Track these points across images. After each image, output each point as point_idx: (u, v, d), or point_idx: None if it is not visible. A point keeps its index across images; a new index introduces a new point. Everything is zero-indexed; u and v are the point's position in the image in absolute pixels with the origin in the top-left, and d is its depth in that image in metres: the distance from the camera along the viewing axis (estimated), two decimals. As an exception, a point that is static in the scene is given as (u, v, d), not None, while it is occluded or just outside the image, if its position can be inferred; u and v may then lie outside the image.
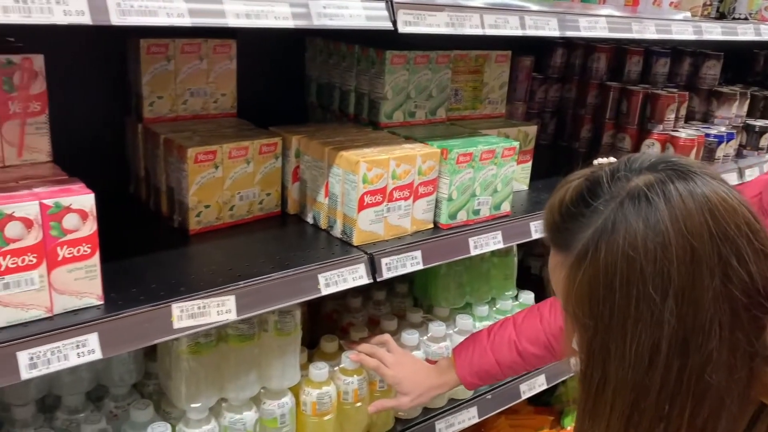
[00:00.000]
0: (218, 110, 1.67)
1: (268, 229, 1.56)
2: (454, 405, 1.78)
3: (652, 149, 2.30)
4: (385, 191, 1.45)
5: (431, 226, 1.60)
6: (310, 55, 1.91)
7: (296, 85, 1.96)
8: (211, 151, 1.44)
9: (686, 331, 0.78)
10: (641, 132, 2.34)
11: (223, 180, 1.48)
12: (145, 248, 1.39)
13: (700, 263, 0.77)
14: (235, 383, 1.38)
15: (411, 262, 1.48)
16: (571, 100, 2.54)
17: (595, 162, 0.94)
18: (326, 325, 1.85)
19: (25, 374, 1.00)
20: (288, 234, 1.56)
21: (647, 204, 0.79)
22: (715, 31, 2.05)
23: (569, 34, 1.63)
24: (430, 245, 1.52)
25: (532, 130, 1.94)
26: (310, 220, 1.59)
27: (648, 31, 1.82)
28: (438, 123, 1.82)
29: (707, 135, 2.36)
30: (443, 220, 1.59)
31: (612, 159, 0.92)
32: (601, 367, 0.83)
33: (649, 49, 2.57)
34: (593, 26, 1.69)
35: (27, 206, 1.01)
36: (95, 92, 1.64)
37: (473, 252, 1.59)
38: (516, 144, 1.66)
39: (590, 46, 2.50)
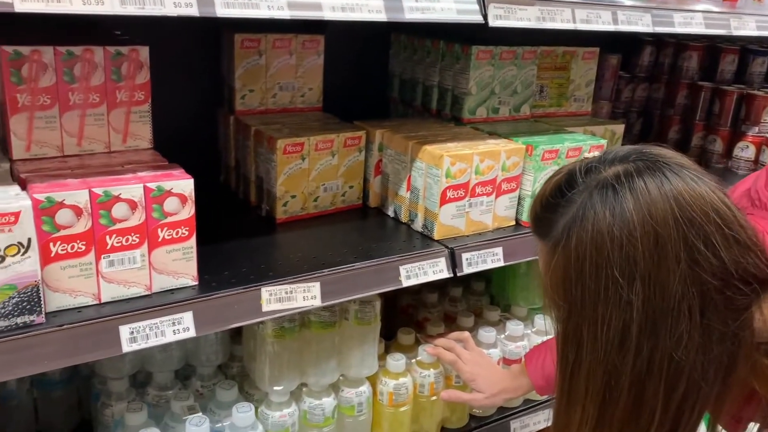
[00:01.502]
0: (305, 104, 1.71)
1: (350, 220, 1.59)
2: (530, 405, 1.75)
3: (745, 152, 2.19)
4: (467, 186, 1.45)
5: (513, 223, 1.58)
6: (394, 50, 1.93)
7: (379, 81, 1.99)
8: (299, 142, 1.48)
9: (654, 313, 0.81)
10: (734, 134, 2.24)
11: (309, 171, 1.52)
12: (235, 235, 1.44)
13: (665, 248, 0.80)
14: (315, 369, 1.41)
15: (492, 259, 1.48)
16: (659, 100, 2.46)
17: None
18: (402, 320, 1.87)
19: (126, 347, 1.06)
20: (369, 226, 1.58)
21: (614, 194, 0.83)
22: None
23: (663, 30, 1.57)
24: (512, 242, 1.51)
25: (620, 128, 1.89)
26: (391, 213, 1.61)
27: (747, 28, 1.74)
28: (522, 120, 1.81)
29: (807, 138, 2.23)
30: (526, 217, 1.57)
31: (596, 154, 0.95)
32: (575, 349, 0.87)
33: (746, 48, 2.45)
34: (688, 22, 1.63)
35: (132, 189, 1.07)
36: (190, 84, 1.72)
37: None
38: (604, 142, 1.63)
39: (681, 44, 2.41)
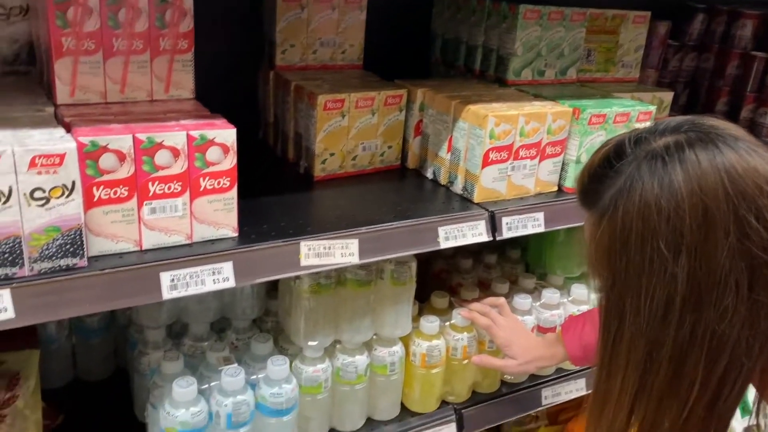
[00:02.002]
0: (345, 61, 1.68)
1: (388, 181, 1.57)
2: (562, 375, 1.74)
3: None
4: (511, 148, 1.42)
5: (555, 189, 1.55)
6: (437, 10, 1.88)
7: (421, 41, 1.94)
8: (340, 99, 1.45)
9: (699, 287, 0.80)
10: (787, 107, 2.15)
11: (348, 129, 1.49)
12: (273, 190, 1.43)
13: (713, 221, 0.79)
14: (349, 326, 1.41)
15: (533, 224, 1.45)
16: (707, 70, 2.36)
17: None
18: (435, 285, 1.84)
19: (167, 294, 1.06)
20: (407, 187, 1.56)
21: (663, 165, 0.82)
22: None
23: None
24: (554, 208, 1.48)
25: (668, 96, 1.83)
26: (429, 175, 1.58)
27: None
28: (568, 84, 1.75)
29: None
30: (569, 183, 1.53)
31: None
32: (618, 320, 0.87)
33: (804, 17, 2.34)
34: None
35: (175, 136, 1.06)
36: (231, 38, 1.70)
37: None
38: (653, 108, 1.57)
39: (735, 12, 2.31)
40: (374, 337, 1.48)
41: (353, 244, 1.25)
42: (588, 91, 1.71)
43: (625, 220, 0.83)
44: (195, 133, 1.07)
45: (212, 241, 1.14)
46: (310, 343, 1.37)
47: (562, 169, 1.53)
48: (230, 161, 1.12)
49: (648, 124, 1.57)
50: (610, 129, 1.51)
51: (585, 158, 1.51)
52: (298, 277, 1.34)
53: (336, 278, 1.38)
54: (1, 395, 1.18)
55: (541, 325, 1.67)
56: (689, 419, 0.86)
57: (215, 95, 1.29)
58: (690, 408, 0.85)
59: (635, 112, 1.53)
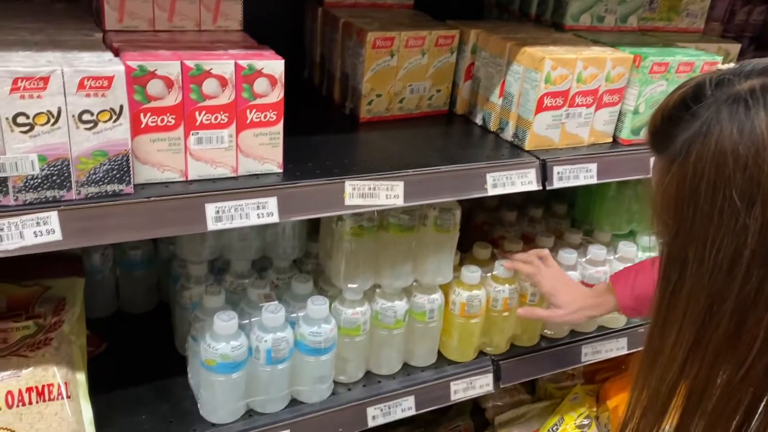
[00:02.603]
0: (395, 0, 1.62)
1: (435, 126, 1.53)
2: (603, 332, 1.70)
3: None
4: (567, 95, 1.36)
5: (610, 140, 1.48)
6: (493, -50, 1.80)
7: (474, -17, 1.87)
8: (390, 37, 1.40)
9: None
10: None
11: (396, 70, 1.45)
12: (318, 130, 1.41)
13: None
14: (390, 271, 1.39)
15: (585, 175, 1.39)
16: (777, 25, 2.23)
17: (717, 67, 0.87)
18: (477, 236, 1.81)
19: (211, 225, 1.05)
20: (455, 133, 1.52)
21: (745, 109, 0.76)
22: None
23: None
24: (608, 160, 1.42)
25: (735, 48, 1.73)
26: (479, 121, 1.53)
27: None
28: (628, 32, 1.67)
29: None
30: (624, 134, 1.47)
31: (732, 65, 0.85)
32: (679, 270, 0.83)
33: None
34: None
35: (224, 65, 1.03)
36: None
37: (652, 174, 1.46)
38: (719, 59, 1.48)
39: (812, -38, 2.16)
40: (414, 283, 1.46)
41: (398, 186, 1.22)
42: (649, 39, 1.62)
43: (698, 167, 0.78)
44: (243, 63, 1.04)
45: (257, 176, 1.13)
46: (349, 285, 1.36)
47: (619, 119, 1.46)
48: (277, 94, 1.09)
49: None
50: (672, 79, 1.43)
51: (643, 109, 1.44)
52: (340, 219, 1.33)
53: (378, 222, 1.36)
54: (48, 319, 1.21)
55: (586, 281, 1.63)
56: (746, 378, 0.82)
57: (261, 34, 1.26)
58: (748, 366, 0.81)
59: (700, 62, 1.45)
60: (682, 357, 0.84)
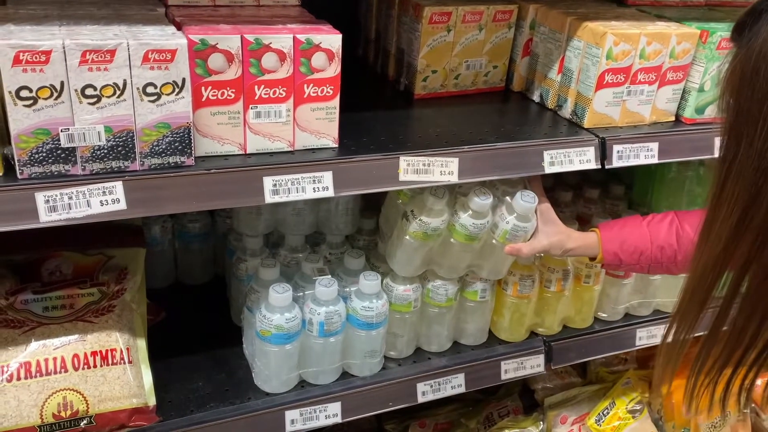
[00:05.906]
0: (453, -25, 1.60)
1: (491, 103, 1.51)
2: (659, 316, 1.66)
3: None
4: (629, 71, 1.32)
5: (672, 118, 1.43)
6: None
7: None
8: (446, 12, 1.39)
9: None
10: None
11: (453, 45, 1.43)
12: (372, 106, 1.41)
13: None
14: (447, 269, 1.38)
15: (646, 154, 1.35)
16: None
17: None
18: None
19: (269, 198, 1.07)
20: (512, 109, 1.49)
21: None
22: None
23: None
24: (670, 139, 1.37)
25: (810, 24, 1.63)
26: (536, 98, 1.50)
27: None
28: (694, 7, 1.60)
29: None
30: (688, 113, 1.42)
31: None
32: (734, 148, 0.88)
33: None
34: None
35: (282, 39, 1.04)
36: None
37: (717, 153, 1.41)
38: (793, 34, 1.41)
39: None
40: (467, 263, 1.45)
41: (453, 163, 1.21)
42: (716, 14, 1.55)
43: (764, 49, 0.83)
44: (301, 37, 1.05)
45: (313, 150, 1.14)
46: (404, 275, 1.37)
47: (682, 97, 1.41)
48: (334, 69, 1.09)
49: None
50: (742, 55, 1.37)
51: (709, 86, 1.39)
52: (405, 217, 1.30)
53: (446, 229, 1.32)
54: (111, 287, 1.25)
55: (642, 264, 1.59)
56: None
57: (317, 11, 1.26)
58: None
59: (773, 37, 1.38)
60: (727, 234, 0.90)
